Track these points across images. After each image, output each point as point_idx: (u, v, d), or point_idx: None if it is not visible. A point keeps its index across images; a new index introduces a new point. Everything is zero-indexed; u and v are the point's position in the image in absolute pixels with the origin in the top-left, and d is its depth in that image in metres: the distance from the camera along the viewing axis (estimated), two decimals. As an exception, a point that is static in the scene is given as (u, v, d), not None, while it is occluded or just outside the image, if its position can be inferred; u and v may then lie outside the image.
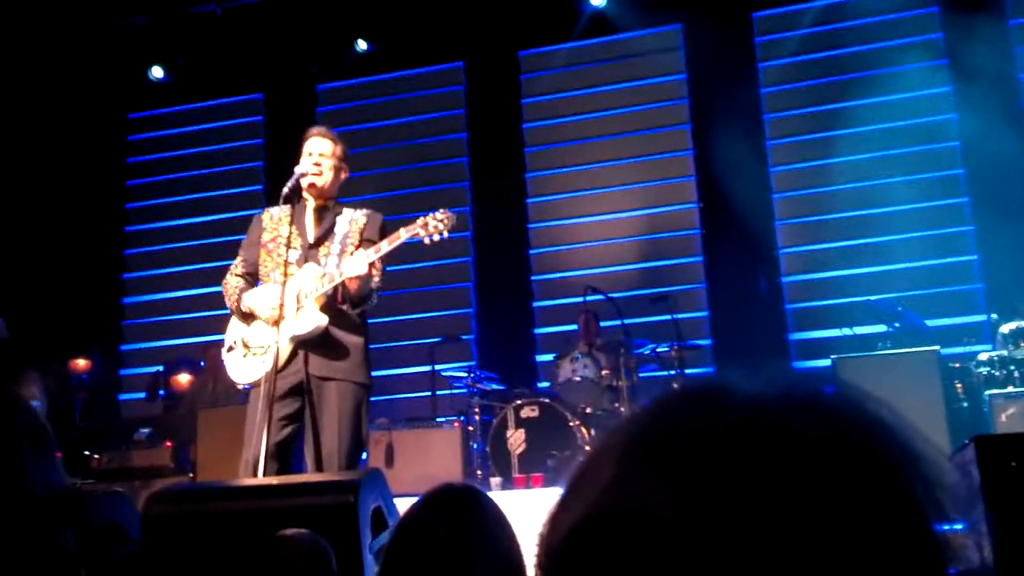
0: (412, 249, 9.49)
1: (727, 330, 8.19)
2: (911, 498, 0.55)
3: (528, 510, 5.48)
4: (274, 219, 4.23)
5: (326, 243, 4.11)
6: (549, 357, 7.99)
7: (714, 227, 8.47)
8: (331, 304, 4.00)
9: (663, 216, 8.77)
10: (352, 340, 4.03)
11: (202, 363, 8.53)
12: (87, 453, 7.43)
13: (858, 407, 0.59)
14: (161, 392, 8.68)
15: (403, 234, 3.91)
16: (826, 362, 6.58)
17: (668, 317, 7.19)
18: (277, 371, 3.88)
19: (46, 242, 9.39)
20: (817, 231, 8.35)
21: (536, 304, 8.92)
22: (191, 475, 7.01)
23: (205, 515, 3.02)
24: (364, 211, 4.26)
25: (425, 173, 9.37)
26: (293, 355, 3.97)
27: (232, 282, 4.22)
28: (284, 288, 3.91)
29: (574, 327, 7.82)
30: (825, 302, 8.10)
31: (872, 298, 7.37)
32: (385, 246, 3.93)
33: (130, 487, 6.55)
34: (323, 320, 3.94)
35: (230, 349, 4.16)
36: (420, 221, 3.96)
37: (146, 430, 7.39)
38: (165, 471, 7.03)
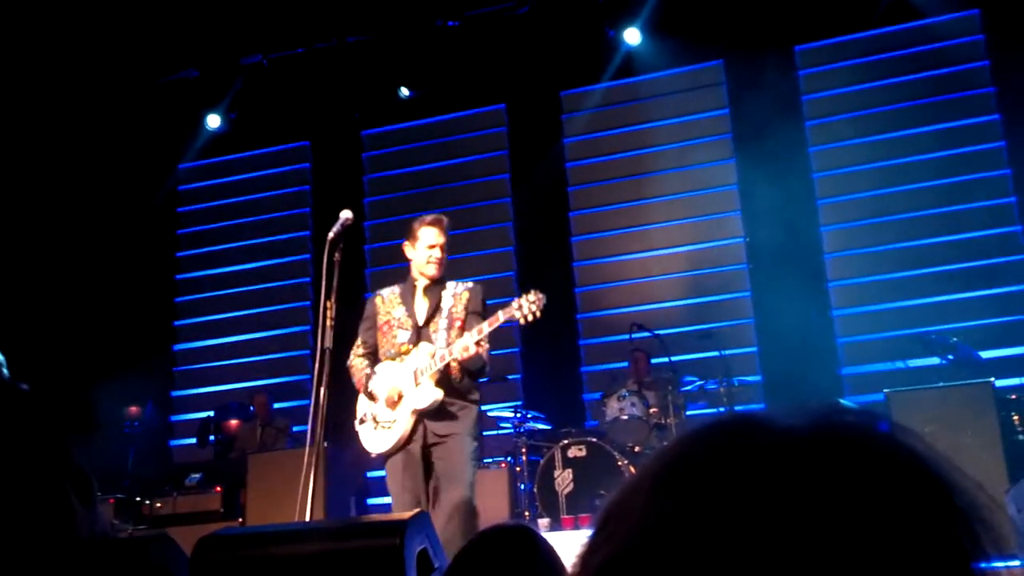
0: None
1: (777, 365, 8.08)
2: (947, 533, 0.54)
3: (577, 551, 5.42)
4: (386, 301, 4.61)
5: (435, 320, 4.48)
6: (596, 395, 7.94)
7: (761, 261, 8.39)
8: (445, 378, 4.41)
9: (709, 251, 8.72)
10: (465, 406, 4.47)
11: (251, 408, 8.61)
12: (139, 499, 7.51)
13: (892, 440, 0.58)
14: (212, 437, 8.77)
15: (501, 316, 4.35)
16: (879, 396, 6.45)
17: (716, 353, 7.12)
18: (403, 443, 4.36)
19: (99, 291, 9.59)
20: (867, 263, 8.23)
21: (582, 342, 8.89)
22: (240, 520, 7.05)
23: (254, 560, 3.03)
24: (466, 284, 4.63)
25: (469, 215, 9.43)
26: (415, 425, 4.38)
27: (357, 363, 4.63)
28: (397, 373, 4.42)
29: (621, 365, 7.77)
30: (877, 335, 7.96)
31: (925, 330, 7.23)
32: (486, 328, 4.32)
33: (180, 533, 6.60)
34: (439, 394, 4.35)
35: (361, 421, 4.58)
36: (515, 304, 4.38)
37: (197, 475, 7.47)
38: (215, 516, 7.09)
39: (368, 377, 4.53)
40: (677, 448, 0.60)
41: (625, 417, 6.99)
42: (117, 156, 9.81)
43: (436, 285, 4.57)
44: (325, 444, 6.05)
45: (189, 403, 9.77)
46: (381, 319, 4.58)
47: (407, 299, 4.56)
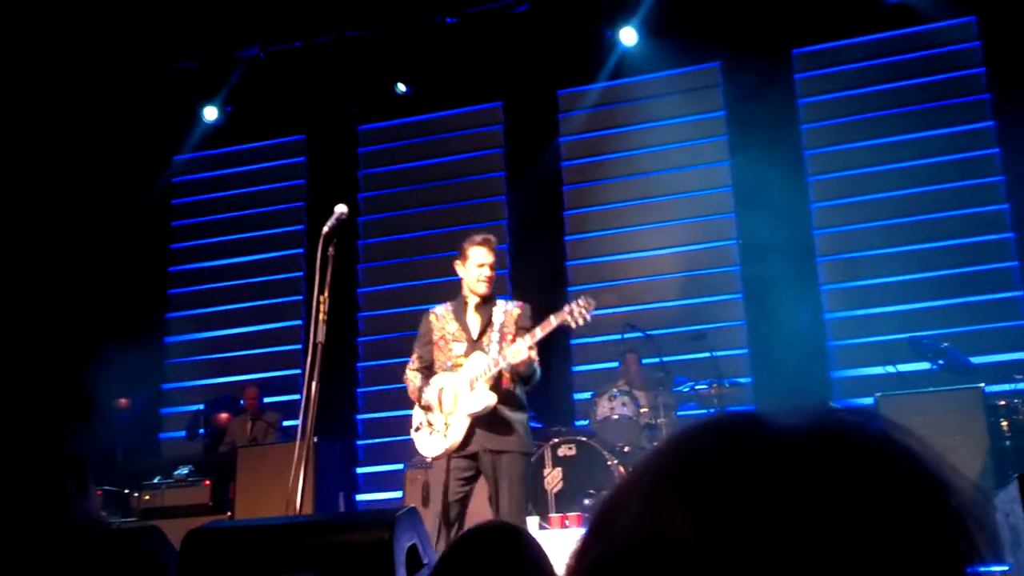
0: (450, 287, 9.54)
1: (768, 367, 8.09)
2: (942, 531, 0.54)
3: (565, 550, 5.43)
4: (439, 318, 4.82)
5: (487, 334, 4.69)
6: (587, 395, 7.94)
7: (754, 264, 8.40)
8: (498, 385, 4.60)
9: (702, 253, 8.73)
10: (517, 416, 4.66)
11: (241, 402, 8.60)
12: (127, 491, 7.50)
13: (887, 439, 0.58)
14: (201, 431, 8.76)
15: (553, 321, 4.56)
16: (869, 400, 6.48)
17: (708, 354, 7.13)
18: (457, 448, 4.59)
19: (92, 282, 9.56)
20: (860, 267, 8.25)
21: (573, 342, 8.90)
22: (229, 513, 7.04)
23: (242, 553, 3.03)
24: (515, 303, 4.84)
25: (464, 212, 9.44)
26: (469, 431, 4.59)
27: (412, 378, 4.83)
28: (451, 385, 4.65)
29: (612, 365, 7.77)
30: (868, 339, 7.99)
31: (916, 335, 7.26)
32: (539, 332, 4.53)
33: (169, 525, 6.58)
34: (493, 398, 4.54)
35: (417, 429, 4.77)
36: (567, 308, 4.60)
37: (186, 468, 7.45)
38: (204, 509, 7.07)
39: (421, 389, 4.74)
40: (673, 447, 0.60)
41: (616, 417, 7.00)
42: (112, 147, 9.78)
43: (487, 302, 4.77)
44: (315, 439, 6.05)
45: (179, 396, 9.75)
46: (436, 335, 4.79)
47: (460, 315, 4.78)
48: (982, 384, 6.11)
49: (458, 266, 4.82)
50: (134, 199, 9.95)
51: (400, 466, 7.57)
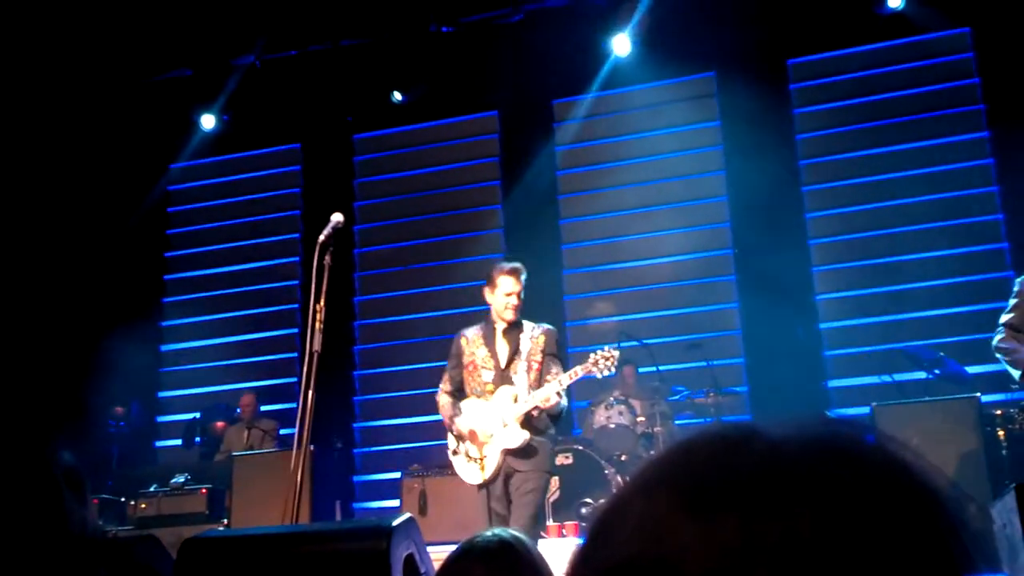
0: (447, 295, 9.53)
1: (763, 376, 8.10)
2: (937, 544, 0.54)
3: (562, 558, 5.44)
4: (470, 342, 5.01)
5: (515, 362, 4.91)
6: (583, 404, 7.94)
7: (749, 273, 8.41)
8: (527, 418, 4.86)
9: (698, 262, 8.74)
10: (543, 443, 4.89)
11: (237, 410, 8.59)
12: (123, 500, 7.48)
13: (882, 451, 0.58)
14: (198, 439, 8.73)
15: (579, 371, 4.87)
16: (865, 409, 6.48)
17: (703, 363, 7.14)
18: (490, 478, 4.84)
19: (88, 289, 9.55)
20: (855, 277, 8.27)
21: (571, 350, 8.89)
22: (225, 522, 7.02)
23: (238, 562, 3.02)
24: (541, 327, 5.02)
25: (459, 221, 9.45)
26: (502, 462, 4.84)
27: (443, 402, 5.06)
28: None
29: (611, 374, 7.76)
30: (864, 349, 8.00)
31: (912, 345, 7.27)
32: (566, 381, 4.80)
33: (165, 533, 6.57)
34: (526, 435, 4.80)
35: (455, 453, 5.01)
36: (592, 359, 4.94)
37: (182, 476, 7.43)
38: (200, 518, 7.05)
39: (453, 417, 4.98)
40: (672, 456, 0.60)
41: (612, 426, 7.00)
42: (108, 155, 9.78)
43: (514, 328, 4.96)
44: (312, 447, 6.04)
45: (176, 404, 9.73)
46: (466, 359, 5.00)
47: (489, 341, 4.97)
48: (978, 394, 6.12)
49: (487, 293, 5.00)
50: (130, 207, 9.94)
51: (397, 474, 7.56)
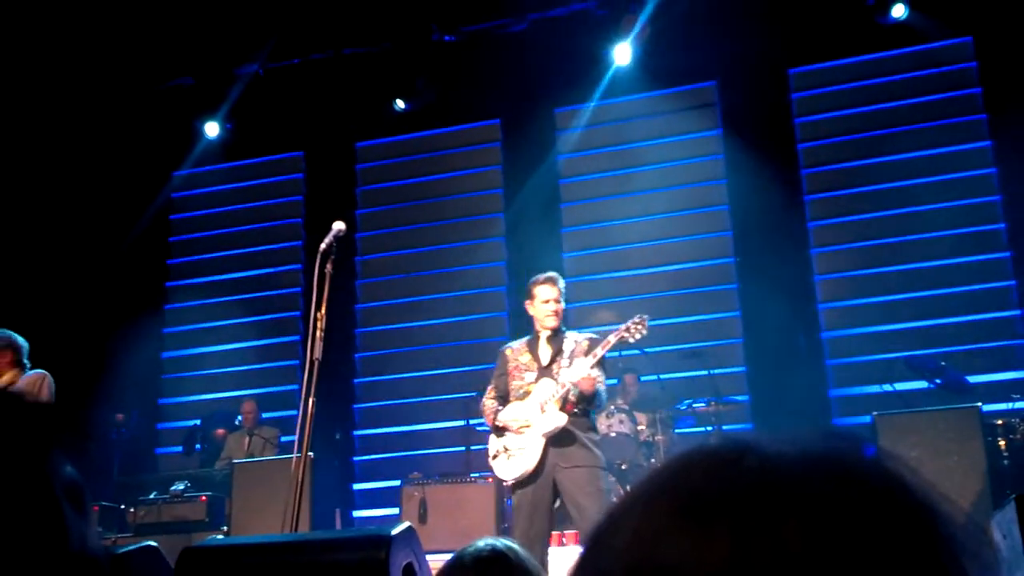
0: (448, 303, 9.53)
1: (765, 386, 8.09)
2: (935, 561, 0.54)
3: (561, 567, 5.42)
4: (514, 352, 5.12)
5: (557, 361, 4.97)
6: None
7: (751, 282, 8.41)
8: (565, 407, 4.86)
9: (700, 270, 8.74)
10: (586, 435, 4.89)
11: (239, 417, 8.58)
12: (123, 507, 7.47)
13: (879, 469, 0.58)
14: (198, 446, 8.73)
15: (612, 339, 4.89)
16: (867, 419, 6.47)
17: (705, 372, 7.14)
18: (535, 470, 4.84)
19: (90, 296, 9.56)
20: (857, 286, 8.27)
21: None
22: (225, 529, 7.01)
23: (237, 571, 3.02)
24: (585, 335, 5.11)
25: (462, 229, 9.46)
26: (544, 454, 4.83)
27: (489, 404, 5.13)
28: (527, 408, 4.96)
29: (611, 382, 7.76)
30: (866, 358, 7.99)
31: (914, 354, 7.26)
32: (599, 351, 4.82)
33: (165, 541, 6.57)
34: (563, 417, 4.80)
35: (494, 456, 5.03)
36: (623, 326, 4.98)
37: (182, 484, 7.43)
38: (200, 525, 7.04)
39: (496, 412, 5.05)
40: (670, 469, 0.60)
41: (613, 434, 6.99)
42: (112, 162, 9.80)
43: (557, 335, 5.05)
44: (312, 455, 6.04)
45: (176, 411, 9.73)
46: (511, 365, 5.09)
47: (532, 347, 5.09)
48: (979, 403, 6.10)
49: (528, 307, 5.10)
50: (133, 214, 9.95)
51: (397, 483, 7.56)
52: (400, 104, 9.33)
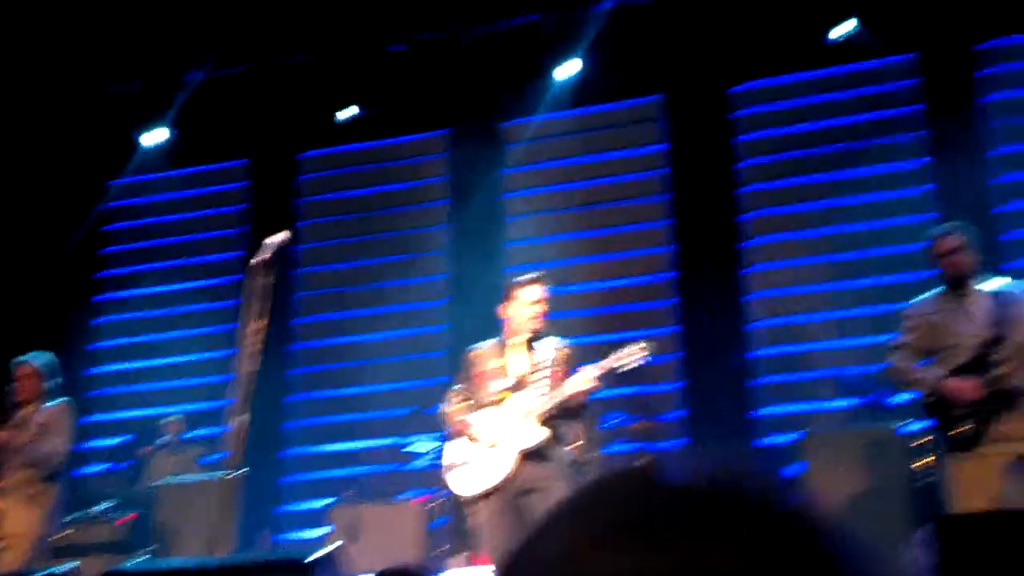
0: (387, 317, 9.43)
1: (698, 404, 8.12)
2: None
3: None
4: (483, 354, 4.87)
5: (533, 372, 4.75)
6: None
7: (689, 298, 8.46)
8: (547, 420, 4.65)
9: (638, 287, 8.77)
10: (560, 452, 4.76)
11: (165, 435, 8.40)
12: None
13: (774, 499, 0.59)
14: (123, 464, 8.52)
15: (611, 363, 4.74)
16: (795, 437, 6.56)
17: (637, 390, 7.17)
18: (505, 481, 4.59)
19: (12, 310, 9.28)
20: (791, 304, 8.33)
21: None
22: (150, 550, 6.84)
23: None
24: (564, 343, 4.91)
25: (406, 241, 9.41)
26: (517, 467, 4.60)
27: (449, 410, 4.86)
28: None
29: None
30: (796, 376, 8.06)
31: (843, 371, 7.38)
32: (593, 372, 4.66)
33: (87, 563, 6.36)
34: (546, 432, 4.62)
35: (450, 468, 4.79)
36: (626, 350, 4.78)
37: (105, 504, 7.23)
38: (124, 546, 6.85)
39: (464, 423, 4.77)
40: (590, 497, 0.63)
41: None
42: (47, 170, 9.56)
43: (534, 340, 4.82)
44: (240, 473, 5.92)
45: (101, 428, 9.46)
46: (478, 370, 4.85)
47: (504, 352, 4.84)
48: (901, 423, 6.19)
49: (505, 309, 4.84)
50: (65, 226, 9.70)
51: (327, 502, 7.46)
52: (345, 113, 9.26)
